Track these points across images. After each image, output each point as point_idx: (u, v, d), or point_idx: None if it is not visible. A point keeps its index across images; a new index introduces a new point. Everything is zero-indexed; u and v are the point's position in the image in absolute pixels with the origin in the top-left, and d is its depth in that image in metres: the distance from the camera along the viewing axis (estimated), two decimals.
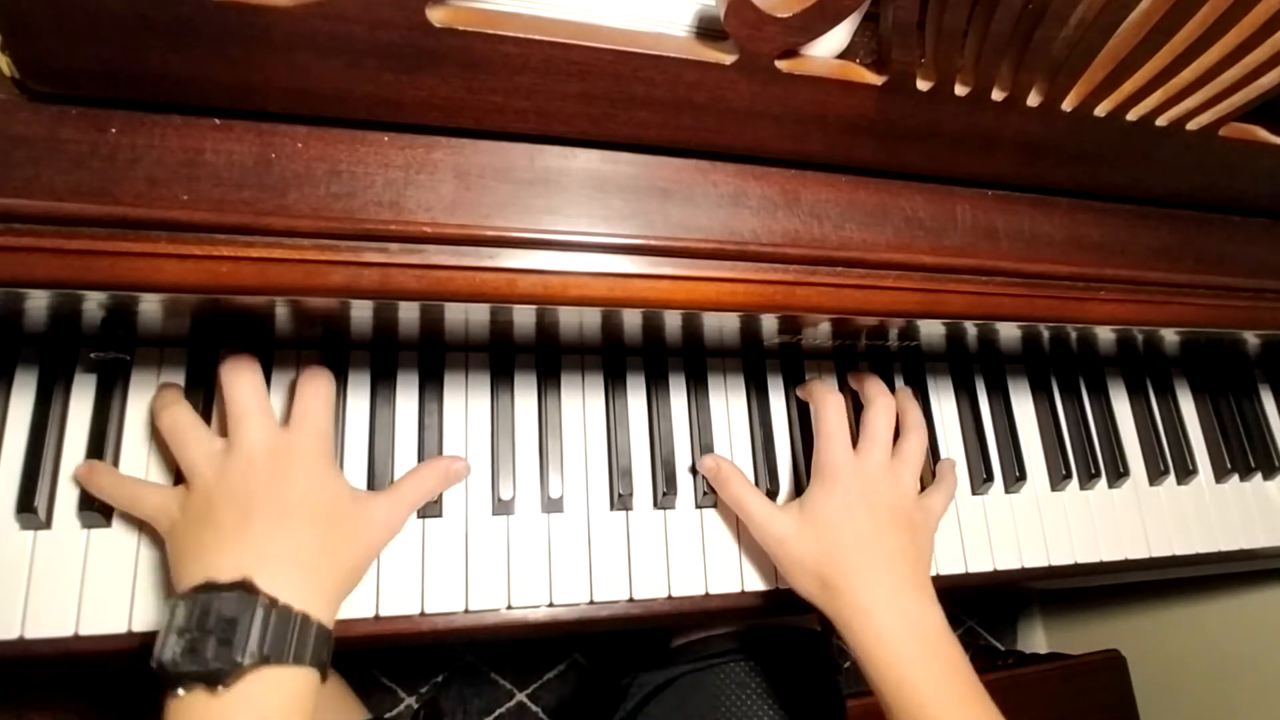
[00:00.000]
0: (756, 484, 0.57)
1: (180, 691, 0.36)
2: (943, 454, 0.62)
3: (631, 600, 0.52)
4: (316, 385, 0.46)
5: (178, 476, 0.45)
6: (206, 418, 0.48)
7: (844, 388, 0.60)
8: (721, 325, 0.52)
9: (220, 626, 0.36)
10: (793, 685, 0.60)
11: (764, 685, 0.59)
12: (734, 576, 0.54)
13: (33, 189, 0.34)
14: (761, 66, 0.37)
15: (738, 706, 0.58)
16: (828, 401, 0.53)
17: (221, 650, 0.36)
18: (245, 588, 0.38)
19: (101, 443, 0.46)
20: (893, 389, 0.62)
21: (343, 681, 0.64)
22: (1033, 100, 0.42)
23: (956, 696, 0.44)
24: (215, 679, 0.36)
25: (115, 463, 0.47)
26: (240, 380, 0.44)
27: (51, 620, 0.44)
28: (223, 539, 0.40)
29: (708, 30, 0.38)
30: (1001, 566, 0.60)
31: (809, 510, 0.50)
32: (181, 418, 0.44)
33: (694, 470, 0.56)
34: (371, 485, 0.50)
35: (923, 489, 0.56)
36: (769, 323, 0.51)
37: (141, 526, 0.46)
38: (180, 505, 0.42)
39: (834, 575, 0.47)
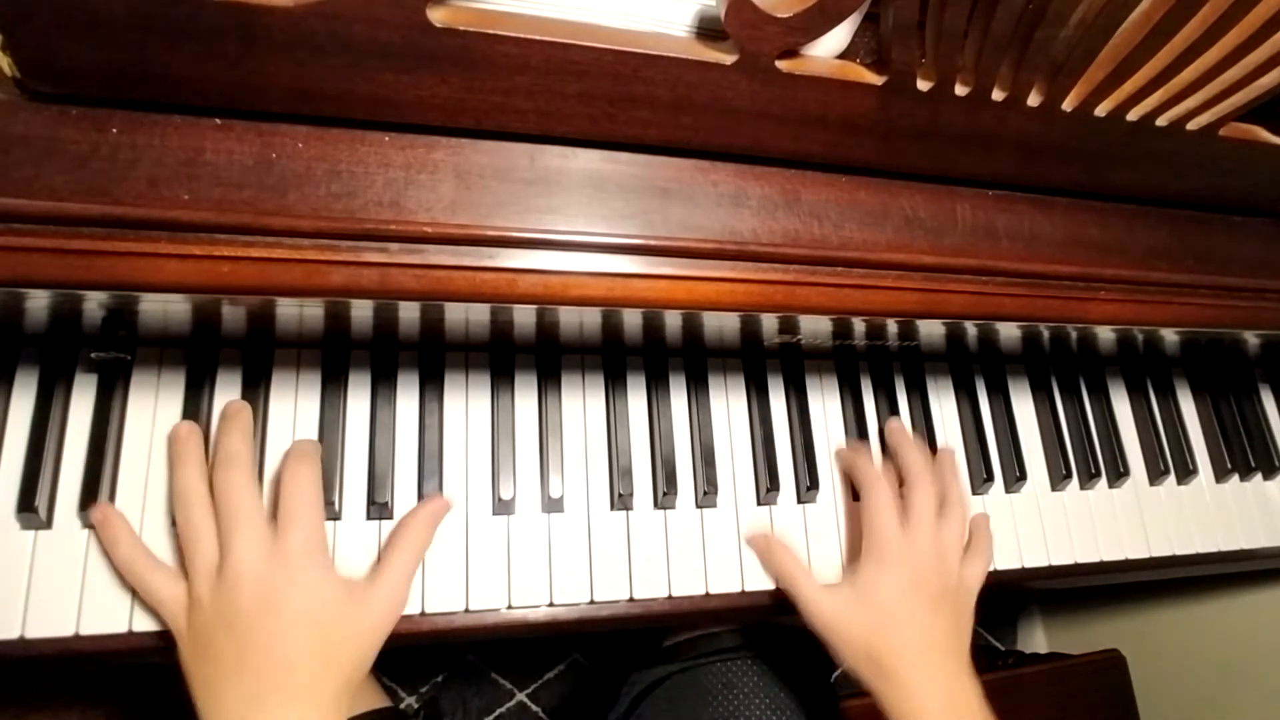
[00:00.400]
0: (756, 484, 0.57)
1: None
2: None
3: (631, 600, 0.52)
4: (303, 477, 0.45)
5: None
6: (208, 423, 0.48)
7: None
8: (722, 325, 0.52)
9: None
10: (783, 682, 0.60)
11: (754, 683, 0.60)
12: (734, 576, 0.54)
13: (33, 189, 0.34)
14: (762, 67, 0.37)
15: (726, 705, 0.58)
16: (875, 484, 0.54)
17: None
18: None
19: (102, 443, 0.46)
20: (893, 390, 0.63)
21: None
22: (1033, 100, 0.42)
23: None
24: None
25: (116, 463, 0.47)
26: (232, 482, 0.44)
27: (52, 620, 0.44)
28: (222, 676, 0.40)
29: (708, 30, 0.38)
30: (1002, 566, 0.60)
31: (861, 590, 0.51)
32: (196, 519, 0.44)
33: (694, 470, 0.56)
34: (372, 486, 0.50)
35: None
36: (769, 322, 0.51)
37: (142, 526, 0.46)
38: (186, 620, 0.42)
39: (885, 655, 0.49)
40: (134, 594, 0.45)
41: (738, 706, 0.59)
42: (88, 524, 0.45)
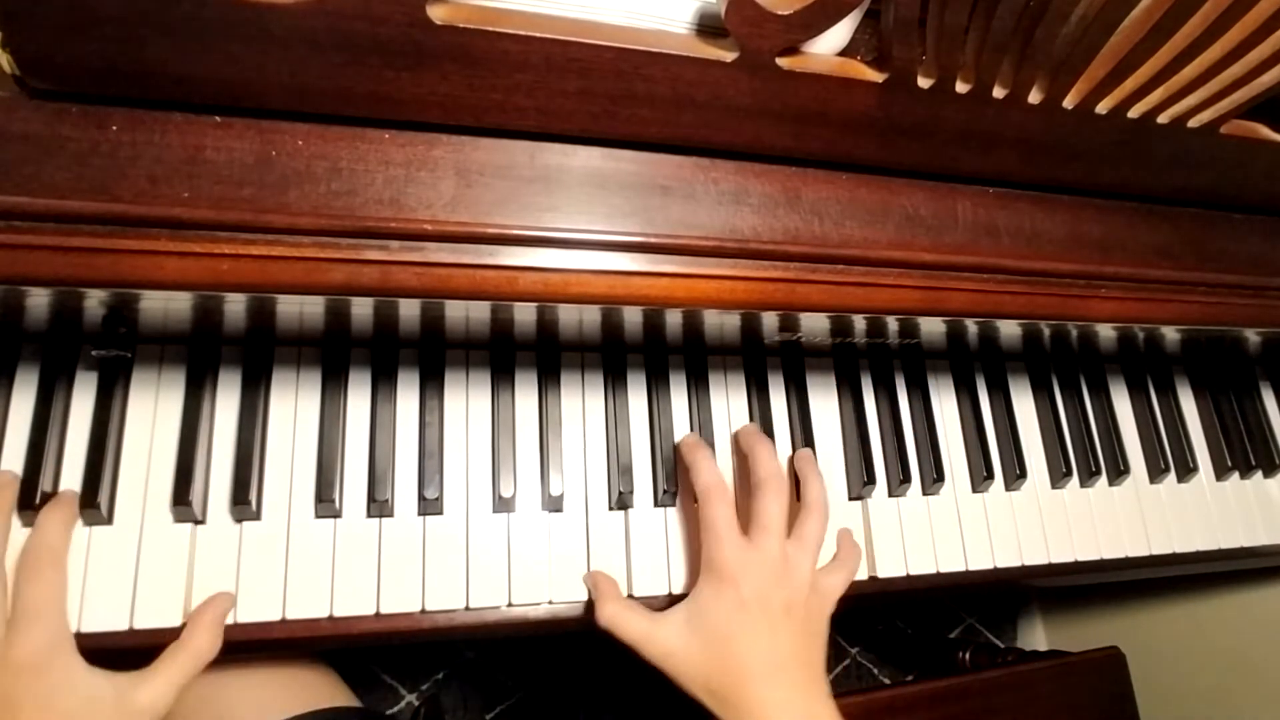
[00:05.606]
0: None
1: None
2: (943, 452, 0.62)
3: (631, 598, 0.52)
4: (42, 577, 0.41)
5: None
6: (209, 422, 0.48)
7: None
8: (722, 323, 0.52)
9: None
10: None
11: None
12: None
13: (34, 187, 0.34)
14: (762, 64, 0.37)
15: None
16: (711, 491, 0.49)
17: None
18: None
19: (103, 440, 0.46)
20: (893, 388, 0.62)
21: (333, 673, 0.64)
22: (1034, 97, 0.41)
23: None
24: None
25: (116, 460, 0.47)
26: None
27: None
28: None
29: (708, 27, 0.38)
30: (1002, 564, 0.60)
31: (695, 615, 0.46)
32: None
33: None
34: (372, 484, 0.50)
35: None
36: (770, 320, 0.51)
37: (142, 524, 0.46)
38: None
39: (726, 685, 0.44)
40: (134, 590, 0.45)
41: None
42: (90, 522, 0.46)
